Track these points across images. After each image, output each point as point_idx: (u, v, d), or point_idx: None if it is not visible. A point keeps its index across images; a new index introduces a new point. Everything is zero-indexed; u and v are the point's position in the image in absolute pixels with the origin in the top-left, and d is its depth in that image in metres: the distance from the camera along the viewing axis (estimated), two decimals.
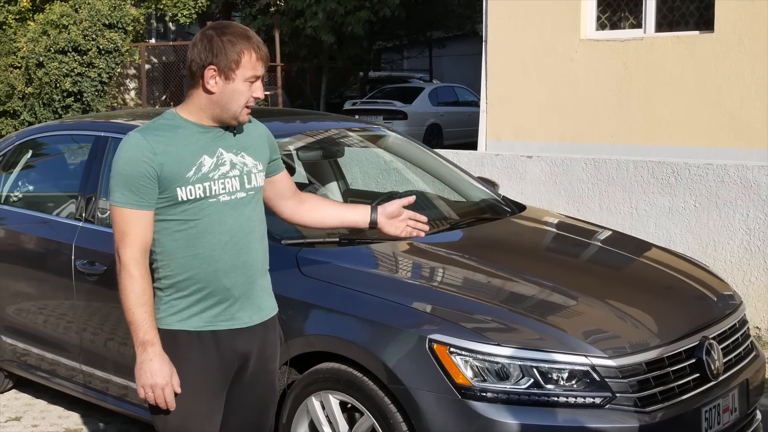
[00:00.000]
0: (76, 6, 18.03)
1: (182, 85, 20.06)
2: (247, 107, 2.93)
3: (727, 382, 3.70)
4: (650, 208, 6.72)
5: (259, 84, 2.93)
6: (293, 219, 3.34)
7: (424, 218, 3.38)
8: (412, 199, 3.35)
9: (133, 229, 2.87)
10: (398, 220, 3.32)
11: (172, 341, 2.94)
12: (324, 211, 3.34)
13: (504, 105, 9.09)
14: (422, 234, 3.36)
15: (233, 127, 3.00)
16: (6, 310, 5.11)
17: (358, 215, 3.33)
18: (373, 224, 3.31)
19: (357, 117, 17.96)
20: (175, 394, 2.91)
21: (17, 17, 19.19)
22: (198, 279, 2.94)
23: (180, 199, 2.89)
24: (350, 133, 5.49)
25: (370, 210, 3.32)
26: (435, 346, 3.35)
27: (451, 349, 3.33)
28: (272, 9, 21.12)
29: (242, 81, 2.89)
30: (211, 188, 2.92)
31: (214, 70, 2.88)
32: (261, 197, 3.10)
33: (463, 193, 5.21)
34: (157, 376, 2.85)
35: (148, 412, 3.08)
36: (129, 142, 2.89)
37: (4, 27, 19.08)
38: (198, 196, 2.90)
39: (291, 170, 5.29)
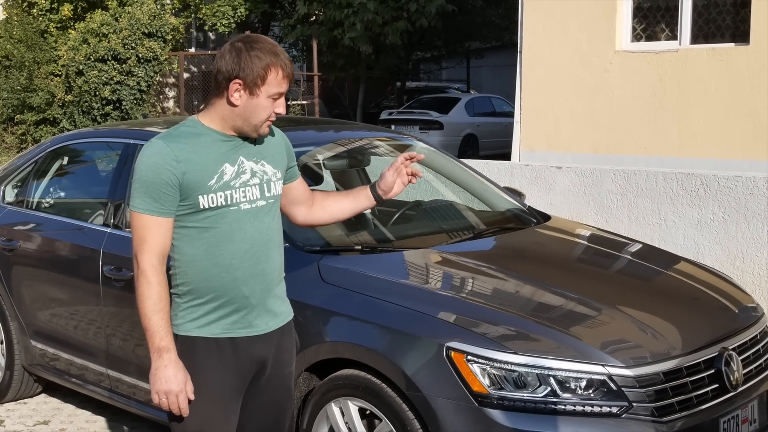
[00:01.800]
0: (117, 15, 18.27)
1: None
2: (268, 121, 2.96)
3: (746, 393, 3.67)
4: (679, 219, 6.68)
5: (282, 101, 2.96)
6: (307, 222, 3.37)
7: (420, 156, 3.37)
8: (415, 155, 3.35)
9: (153, 236, 2.89)
10: (398, 179, 3.33)
11: (190, 347, 2.97)
12: (333, 207, 3.37)
13: (538, 116, 9.09)
14: (420, 174, 3.37)
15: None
16: (36, 314, 5.19)
17: (364, 201, 3.37)
18: (379, 201, 3.36)
19: (393, 127, 18.03)
20: (191, 401, 2.93)
21: (58, 26, 19.49)
22: (217, 287, 2.96)
23: (201, 206, 2.91)
24: (378, 143, 5.52)
25: (370, 192, 3.35)
26: (452, 353, 3.36)
27: (469, 357, 3.34)
28: (311, 19, 21.23)
29: (266, 97, 2.91)
30: (232, 196, 2.94)
31: (239, 84, 2.90)
32: (279, 205, 3.13)
33: (488, 203, 5.21)
34: (171, 383, 2.88)
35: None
36: (151, 149, 2.91)
37: (45, 35, 19.37)
38: (219, 204, 2.93)
39: (319, 178, 5.34)
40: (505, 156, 10.27)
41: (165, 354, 2.88)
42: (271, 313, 3.09)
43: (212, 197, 2.92)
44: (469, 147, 19.79)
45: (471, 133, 20.24)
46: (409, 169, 3.33)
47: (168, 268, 2.99)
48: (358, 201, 3.38)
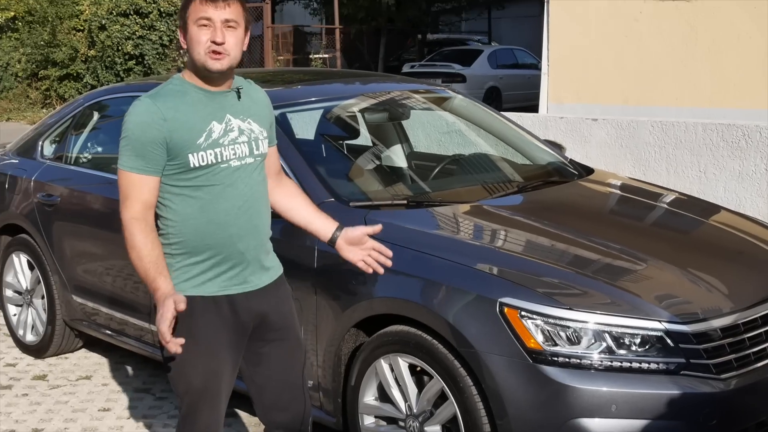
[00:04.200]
0: None
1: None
2: (213, 53, 2.89)
3: None
4: (719, 171, 6.60)
5: (215, 29, 2.88)
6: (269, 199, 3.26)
7: (389, 252, 3.25)
8: (378, 228, 3.24)
9: (136, 193, 2.89)
10: (359, 247, 3.22)
11: (188, 307, 2.92)
12: (295, 204, 3.28)
13: (566, 67, 8.97)
14: (381, 270, 3.23)
15: (237, 93, 3.02)
16: (76, 270, 5.19)
17: (321, 227, 3.24)
18: (332, 242, 3.23)
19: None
20: (195, 357, 2.95)
21: None
22: (212, 244, 2.96)
23: (192, 165, 2.91)
24: (415, 95, 5.45)
25: (335, 228, 3.23)
26: (506, 309, 3.32)
27: (522, 313, 3.30)
28: None
29: (195, 27, 2.89)
30: (222, 154, 2.94)
31: (180, 28, 2.98)
32: (264, 163, 3.12)
33: (529, 156, 5.15)
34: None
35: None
36: (139, 108, 2.91)
37: None
38: (210, 162, 2.92)
39: (355, 132, 5.29)
40: (531, 108, 10.17)
41: (157, 293, 2.85)
42: (264, 268, 3.11)
43: (202, 155, 2.91)
44: (492, 100, 19.64)
45: (494, 86, 20.09)
46: (374, 261, 3.21)
47: (160, 229, 2.98)
48: (317, 221, 3.25)
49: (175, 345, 2.77)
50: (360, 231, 3.22)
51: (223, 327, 3.01)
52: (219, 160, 2.93)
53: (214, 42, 2.87)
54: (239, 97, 3.02)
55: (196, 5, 2.89)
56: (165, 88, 2.97)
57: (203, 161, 2.91)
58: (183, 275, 2.98)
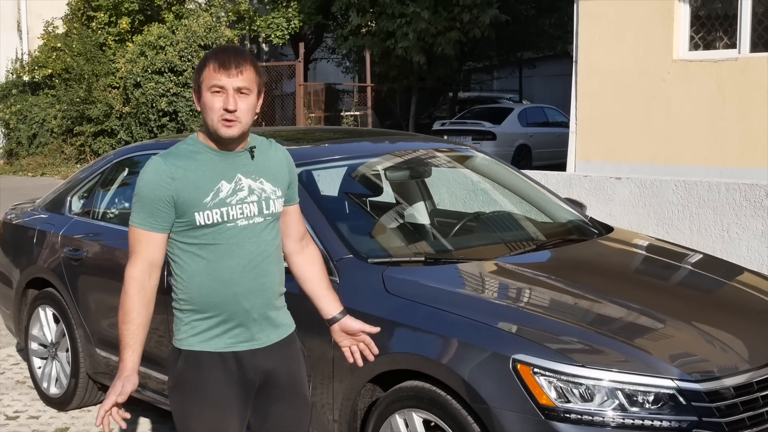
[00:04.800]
0: (173, 28, 18.53)
1: (274, 105, 20.36)
2: (225, 120, 2.93)
3: None
4: (742, 231, 6.59)
5: (228, 97, 2.92)
6: (288, 260, 3.28)
7: (376, 350, 3.29)
8: (375, 329, 3.28)
9: (142, 248, 2.96)
10: (351, 337, 3.28)
11: (194, 361, 3.01)
12: (310, 275, 3.28)
13: (594, 126, 9.04)
14: (360, 362, 3.29)
15: (251, 152, 3.06)
16: (100, 323, 5.27)
17: (326, 306, 3.27)
18: (331, 323, 3.27)
19: (446, 137, 18.01)
20: (203, 411, 3.01)
21: (117, 38, 19.82)
22: (217, 302, 3.00)
23: (198, 223, 2.95)
24: (438, 154, 5.53)
25: (338, 311, 3.26)
26: (519, 366, 3.35)
27: (535, 370, 3.32)
28: (363, 30, 21.32)
29: (208, 94, 2.94)
30: (228, 213, 2.97)
31: (194, 91, 3.03)
32: (278, 223, 3.15)
33: (550, 214, 5.20)
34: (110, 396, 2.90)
35: None
36: (150, 167, 2.97)
37: (104, 48, 19.70)
38: (215, 221, 2.96)
39: (378, 190, 5.36)
40: (560, 166, 10.22)
41: (120, 364, 2.94)
42: (273, 325, 3.12)
43: (208, 214, 2.96)
44: (522, 157, 19.72)
45: (524, 144, 20.16)
46: (364, 354, 3.28)
47: (171, 285, 3.05)
48: (323, 298, 3.27)
49: (107, 426, 2.87)
50: (358, 325, 3.26)
51: (229, 383, 3.04)
52: (225, 219, 2.97)
53: (226, 110, 2.92)
54: (252, 156, 3.06)
55: (210, 72, 2.94)
56: (178, 148, 3.03)
57: (209, 220, 2.96)
58: (191, 330, 3.02)
